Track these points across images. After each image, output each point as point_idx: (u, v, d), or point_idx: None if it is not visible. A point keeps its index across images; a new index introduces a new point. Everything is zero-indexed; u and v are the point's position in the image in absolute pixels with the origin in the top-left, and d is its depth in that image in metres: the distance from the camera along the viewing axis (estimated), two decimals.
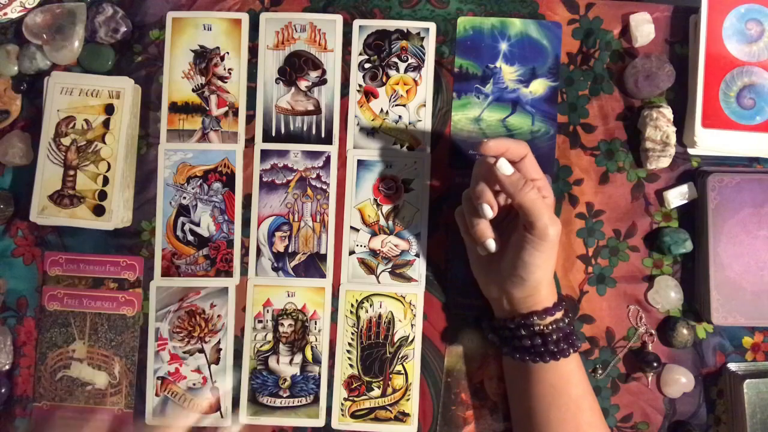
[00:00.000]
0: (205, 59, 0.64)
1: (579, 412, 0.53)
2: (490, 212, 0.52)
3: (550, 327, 0.53)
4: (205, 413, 0.61)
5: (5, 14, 0.63)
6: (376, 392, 0.61)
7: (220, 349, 0.61)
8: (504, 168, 0.51)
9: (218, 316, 0.62)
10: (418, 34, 0.63)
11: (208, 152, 0.63)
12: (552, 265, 0.53)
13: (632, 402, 0.61)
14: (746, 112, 0.60)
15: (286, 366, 0.62)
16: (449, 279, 0.62)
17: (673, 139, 0.60)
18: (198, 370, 0.61)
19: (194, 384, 0.61)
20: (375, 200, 0.62)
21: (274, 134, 0.63)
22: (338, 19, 0.63)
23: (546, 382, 0.53)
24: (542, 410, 0.53)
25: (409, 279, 0.62)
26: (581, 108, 0.63)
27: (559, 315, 0.54)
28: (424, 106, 0.63)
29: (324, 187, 0.63)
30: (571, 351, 0.53)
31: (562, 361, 0.53)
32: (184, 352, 0.61)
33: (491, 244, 0.53)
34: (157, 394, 0.61)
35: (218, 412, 0.61)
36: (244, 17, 0.64)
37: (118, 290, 0.62)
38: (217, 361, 0.61)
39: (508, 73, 0.63)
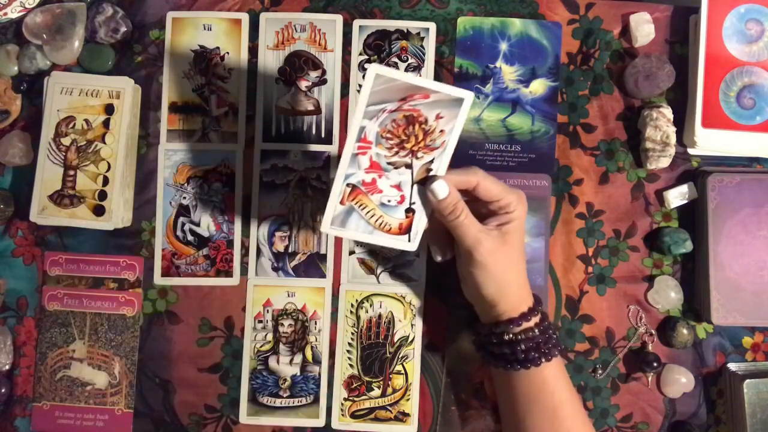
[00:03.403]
0: (205, 59, 0.64)
1: (556, 420, 0.51)
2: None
3: (520, 336, 0.52)
4: (393, 234, 0.53)
5: (5, 14, 0.63)
6: (376, 392, 0.61)
7: (430, 170, 0.52)
8: (438, 192, 0.51)
9: (441, 131, 0.50)
10: (418, 34, 0.63)
11: (208, 152, 0.63)
12: (500, 282, 0.51)
13: (632, 402, 0.61)
14: (746, 112, 0.60)
15: (286, 366, 0.62)
16: (449, 279, 0.62)
17: (673, 139, 0.60)
18: (398, 186, 0.52)
19: (389, 201, 0.52)
20: None
21: (274, 134, 0.63)
22: (338, 19, 0.63)
23: (520, 390, 0.53)
24: (519, 416, 0.53)
25: (409, 279, 0.62)
26: (581, 108, 0.63)
27: (529, 324, 0.52)
28: None
29: (324, 187, 0.62)
30: (543, 360, 0.51)
31: (535, 369, 0.52)
32: (388, 163, 0.51)
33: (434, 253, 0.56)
34: (342, 203, 0.52)
35: (407, 235, 0.53)
36: (244, 17, 0.64)
37: (118, 290, 0.62)
38: (423, 182, 0.52)
39: (508, 73, 0.63)
